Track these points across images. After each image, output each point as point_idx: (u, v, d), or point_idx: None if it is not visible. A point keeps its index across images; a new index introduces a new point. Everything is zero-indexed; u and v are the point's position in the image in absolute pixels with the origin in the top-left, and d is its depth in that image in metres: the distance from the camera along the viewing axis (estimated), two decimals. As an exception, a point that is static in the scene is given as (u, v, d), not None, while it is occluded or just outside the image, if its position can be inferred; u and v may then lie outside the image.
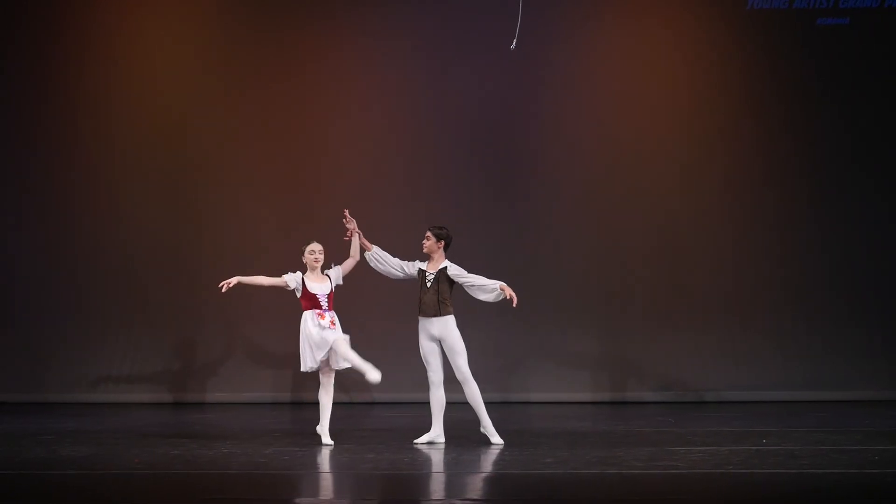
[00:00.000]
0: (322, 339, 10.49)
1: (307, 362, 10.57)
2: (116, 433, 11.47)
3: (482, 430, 10.73)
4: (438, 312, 10.61)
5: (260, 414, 13.59)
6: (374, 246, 10.87)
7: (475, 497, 8.47)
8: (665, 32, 14.88)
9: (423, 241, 10.79)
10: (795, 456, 9.84)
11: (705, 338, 14.68)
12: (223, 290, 10.59)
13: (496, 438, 10.66)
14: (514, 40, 12.56)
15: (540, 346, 14.63)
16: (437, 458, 10.00)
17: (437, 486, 8.91)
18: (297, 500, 8.43)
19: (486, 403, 10.70)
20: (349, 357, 10.42)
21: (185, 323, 14.73)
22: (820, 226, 14.76)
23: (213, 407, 14.31)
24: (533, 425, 12.38)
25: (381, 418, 13.07)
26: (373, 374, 10.27)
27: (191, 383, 14.66)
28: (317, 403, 10.84)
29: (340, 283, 10.87)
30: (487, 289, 10.61)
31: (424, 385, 10.70)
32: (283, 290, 10.87)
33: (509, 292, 10.50)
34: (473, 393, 10.64)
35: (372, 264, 10.90)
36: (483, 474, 9.39)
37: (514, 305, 10.52)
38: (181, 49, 14.89)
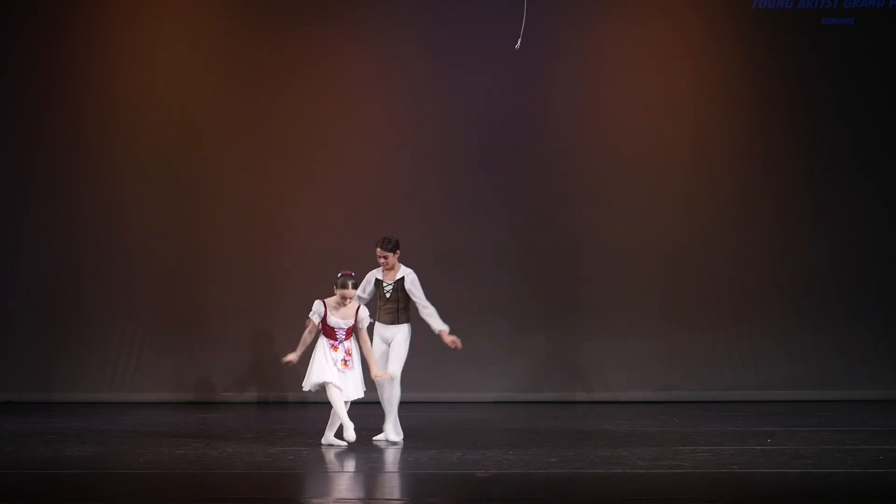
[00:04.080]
0: (320, 378, 10.37)
1: (306, 383, 10.53)
2: (121, 433, 11.48)
3: (384, 429, 10.72)
4: (397, 321, 10.60)
5: (264, 413, 13.59)
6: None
7: (480, 496, 8.46)
8: (670, 32, 14.86)
9: (380, 260, 10.61)
10: (800, 455, 9.84)
11: (710, 337, 14.65)
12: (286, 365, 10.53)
13: (393, 437, 10.68)
14: (519, 40, 12.57)
15: (546, 346, 14.60)
16: (441, 457, 9.99)
17: (442, 485, 8.91)
18: (303, 500, 8.43)
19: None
20: (337, 408, 10.32)
21: (190, 322, 14.71)
22: (825, 226, 14.73)
23: (217, 406, 14.30)
24: (537, 425, 12.37)
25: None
26: (349, 434, 10.22)
27: (196, 383, 14.64)
28: (322, 403, 10.81)
29: (360, 325, 10.45)
30: (432, 324, 10.62)
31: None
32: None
33: (451, 340, 10.53)
34: (394, 395, 10.67)
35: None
36: (487, 474, 9.38)
37: (458, 348, 10.53)
38: (186, 51, 14.86)
